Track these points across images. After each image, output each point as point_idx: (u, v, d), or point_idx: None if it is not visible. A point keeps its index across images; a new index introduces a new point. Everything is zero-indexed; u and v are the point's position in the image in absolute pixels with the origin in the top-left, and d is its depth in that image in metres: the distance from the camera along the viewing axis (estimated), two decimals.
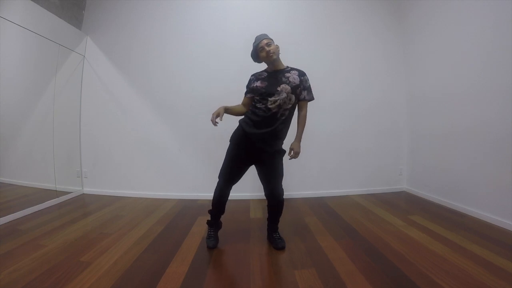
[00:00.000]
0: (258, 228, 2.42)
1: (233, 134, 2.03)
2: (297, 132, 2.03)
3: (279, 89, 1.89)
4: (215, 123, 1.79)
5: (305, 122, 2.03)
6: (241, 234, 2.29)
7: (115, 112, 3.58)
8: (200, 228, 2.43)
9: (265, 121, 1.89)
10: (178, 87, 3.50)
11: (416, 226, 2.40)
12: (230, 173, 2.00)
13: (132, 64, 3.57)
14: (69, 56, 3.38)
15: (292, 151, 1.98)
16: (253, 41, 2.00)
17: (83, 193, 3.62)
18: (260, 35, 1.99)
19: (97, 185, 3.62)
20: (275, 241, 2.05)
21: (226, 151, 2.04)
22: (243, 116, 2.03)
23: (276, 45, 1.97)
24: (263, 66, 2.07)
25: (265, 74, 2.00)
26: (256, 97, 1.96)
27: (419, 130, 3.48)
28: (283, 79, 1.93)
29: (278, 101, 1.87)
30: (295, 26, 3.55)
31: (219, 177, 2.03)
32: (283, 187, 2.01)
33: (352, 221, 2.59)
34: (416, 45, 3.47)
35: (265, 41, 1.93)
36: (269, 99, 1.89)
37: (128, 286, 1.54)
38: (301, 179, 3.53)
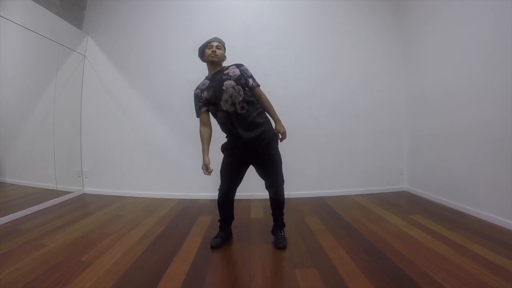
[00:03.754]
0: (259, 228, 2.43)
1: (223, 144, 2.04)
2: (271, 117, 2.02)
3: (224, 88, 1.88)
4: (209, 173, 1.94)
5: (270, 104, 2.03)
6: (242, 234, 2.28)
7: (116, 112, 3.59)
8: (201, 228, 2.43)
9: (235, 123, 1.88)
10: (178, 87, 3.50)
11: (417, 226, 2.40)
12: (229, 179, 2.00)
13: (133, 64, 3.57)
14: (70, 56, 3.39)
15: (279, 134, 1.98)
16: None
17: (84, 193, 3.62)
18: (217, 37, 2.02)
19: (98, 185, 3.63)
20: (277, 240, 2.05)
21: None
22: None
23: (225, 54, 2.02)
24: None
25: (207, 82, 1.99)
26: (210, 108, 1.97)
27: (419, 130, 3.48)
28: (223, 77, 1.92)
29: (229, 99, 1.87)
30: (295, 26, 3.56)
31: (220, 187, 2.03)
32: (284, 177, 2.04)
33: (352, 220, 2.59)
34: (416, 45, 3.47)
35: (215, 43, 1.96)
36: (220, 102, 1.88)
37: (129, 286, 1.54)
38: (301, 179, 3.53)
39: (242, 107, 1.88)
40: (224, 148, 2.03)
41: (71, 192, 3.46)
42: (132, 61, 3.57)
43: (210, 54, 1.94)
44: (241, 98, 1.88)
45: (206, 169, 1.95)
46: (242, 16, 3.49)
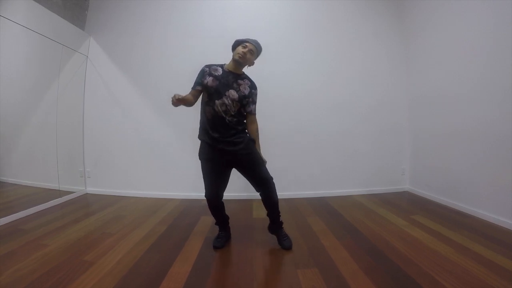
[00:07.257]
0: (261, 228, 2.42)
1: (199, 151, 1.99)
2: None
3: (227, 93, 1.87)
4: (176, 99, 1.72)
5: (258, 133, 2.04)
6: (244, 234, 2.29)
7: (118, 112, 3.59)
8: (203, 227, 2.44)
9: (218, 126, 1.87)
10: (180, 87, 3.49)
11: (418, 226, 2.40)
12: (214, 185, 1.95)
13: (135, 65, 3.58)
14: (72, 57, 3.39)
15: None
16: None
17: (86, 193, 3.63)
18: (257, 41, 1.98)
19: (100, 185, 3.64)
20: (282, 240, 2.01)
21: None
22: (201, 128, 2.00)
23: (254, 61, 1.99)
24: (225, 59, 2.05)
25: (220, 71, 1.94)
26: (204, 95, 1.93)
27: (420, 130, 3.47)
28: (234, 85, 1.91)
29: (224, 106, 1.86)
30: (297, 27, 3.56)
31: (206, 194, 1.96)
32: (272, 175, 1.97)
33: (354, 221, 2.59)
34: (417, 45, 3.46)
35: (251, 46, 1.92)
36: (216, 101, 1.86)
37: (131, 286, 1.54)
38: (303, 179, 3.53)
39: (230, 121, 1.89)
40: (202, 153, 1.97)
41: (73, 192, 3.46)
42: (134, 61, 3.58)
43: (239, 53, 1.89)
44: (233, 113, 1.89)
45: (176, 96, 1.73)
46: (244, 17, 3.48)
